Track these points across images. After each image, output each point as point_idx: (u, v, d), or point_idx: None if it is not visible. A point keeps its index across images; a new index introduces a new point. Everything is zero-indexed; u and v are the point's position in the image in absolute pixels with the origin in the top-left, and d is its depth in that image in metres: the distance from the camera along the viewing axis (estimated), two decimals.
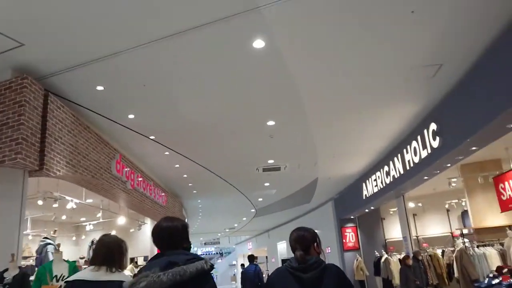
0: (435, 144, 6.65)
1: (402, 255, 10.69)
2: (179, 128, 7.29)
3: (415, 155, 7.60)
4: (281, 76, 5.48)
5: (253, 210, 16.89)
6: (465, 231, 11.59)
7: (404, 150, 8.21)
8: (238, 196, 13.73)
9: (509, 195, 6.85)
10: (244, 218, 19.41)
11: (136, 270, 5.85)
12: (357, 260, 13.64)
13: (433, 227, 13.76)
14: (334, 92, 6.12)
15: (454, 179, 9.65)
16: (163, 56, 4.85)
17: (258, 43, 4.69)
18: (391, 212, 13.39)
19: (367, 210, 12.78)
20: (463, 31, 4.72)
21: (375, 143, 8.74)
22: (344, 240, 14.22)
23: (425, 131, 7.01)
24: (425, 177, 8.19)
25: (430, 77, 5.72)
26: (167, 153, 8.53)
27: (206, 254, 48.98)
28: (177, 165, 9.62)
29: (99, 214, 9.75)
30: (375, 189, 10.51)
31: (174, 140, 7.92)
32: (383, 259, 11.50)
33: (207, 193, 13.35)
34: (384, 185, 9.80)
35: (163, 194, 10.61)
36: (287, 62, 5.13)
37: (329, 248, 15.61)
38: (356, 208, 12.66)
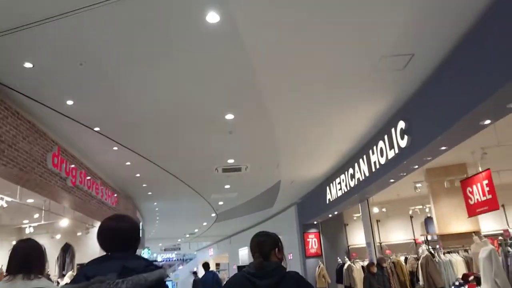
0: (403, 143, 6.26)
1: (365, 262, 10.33)
2: (127, 119, 6.55)
3: (382, 156, 7.21)
4: (238, 60, 4.89)
5: (213, 215, 16.18)
6: (429, 237, 11.42)
7: (370, 151, 7.81)
8: (197, 199, 13.00)
9: (477, 199, 6.55)
10: (205, 223, 18.64)
11: None
12: (319, 267, 13.20)
13: (396, 233, 13.55)
14: (296, 85, 5.59)
15: (419, 184, 9.40)
16: (99, 28, 4.14)
17: (212, 17, 4.08)
18: (355, 218, 13.06)
19: (330, 215, 12.37)
20: (437, 18, 4.30)
21: (340, 144, 8.30)
22: (306, 246, 13.75)
23: (393, 130, 6.62)
24: (391, 180, 7.82)
25: (400, 69, 5.30)
26: (115, 148, 7.75)
27: (167, 260, 47.54)
28: (128, 163, 8.82)
29: (37, 215, 8.78)
30: (339, 193, 10.09)
31: (123, 134, 7.15)
32: (345, 266, 11.08)
33: (163, 195, 12.54)
34: (348, 188, 9.39)
35: (113, 194, 9.75)
36: (245, 42, 4.55)
37: (291, 255, 15.11)
38: (319, 213, 12.22)
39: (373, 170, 7.74)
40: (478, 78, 4.37)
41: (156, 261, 47.54)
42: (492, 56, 4.11)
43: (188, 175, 10.24)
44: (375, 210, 11.78)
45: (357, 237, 13.74)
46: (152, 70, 5.06)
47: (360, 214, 10.87)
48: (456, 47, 4.76)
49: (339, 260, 11.92)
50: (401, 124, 6.27)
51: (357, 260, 11.26)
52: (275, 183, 11.54)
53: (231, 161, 9.12)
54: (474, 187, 6.62)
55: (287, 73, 5.26)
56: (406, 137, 6.16)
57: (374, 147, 7.55)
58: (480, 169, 6.56)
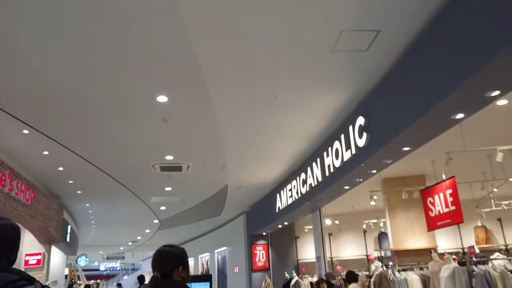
0: (361, 142, 5.43)
1: (315, 278, 9.46)
2: (36, 93, 5.32)
3: (337, 158, 6.37)
4: (172, 29, 3.87)
5: (156, 221, 14.86)
6: (382, 253, 10.72)
7: (325, 153, 6.97)
8: (136, 202, 11.70)
9: (438, 210, 5.81)
10: (147, 230, 17.22)
11: None
12: (265, 281, 12.20)
13: (349, 248, 12.82)
14: (240, 65, 4.64)
15: (375, 197, 8.70)
16: None
17: None
18: (306, 230, 12.21)
19: (280, 226, 11.45)
20: None
21: (291, 144, 7.40)
22: (253, 259, 12.72)
23: (351, 127, 5.79)
24: (346, 187, 7.01)
25: (363, 50, 4.48)
26: (26, 131, 6.45)
27: (110, 270, 44.88)
28: (46, 152, 7.50)
29: None
30: (290, 201, 9.18)
31: (32, 112, 5.89)
32: (293, 282, 10.14)
33: (96, 196, 11.16)
34: (299, 195, 8.50)
35: (28, 189, 8.33)
36: (181, 11, 3.55)
37: (237, 267, 14.02)
38: (268, 223, 11.27)
39: (327, 174, 6.89)
40: (449, 65, 3.60)
41: (98, 269, 44.86)
42: (464, 40, 3.35)
43: (122, 173, 9.00)
44: (328, 222, 10.97)
45: (308, 251, 12.92)
46: (62, 30, 3.93)
47: (312, 226, 10.05)
48: (427, 27, 3.99)
49: (286, 275, 10.98)
50: (360, 120, 5.45)
51: (306, 276, 10.36)
52: (222, 188, 10.50)
53: (169, 157, 8.00)
54: (436, 197, 5.89)
55: (230, 48, 4.29)
56: (365, 135, 5.34)
57: (329, 148, 6.71)
58: (444, 177, 5.84)
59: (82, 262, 22.36)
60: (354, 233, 12.68)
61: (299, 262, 12.89)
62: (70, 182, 9.58)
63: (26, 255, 10.95)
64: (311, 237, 10.91)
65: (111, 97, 5.45)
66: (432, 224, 6.04)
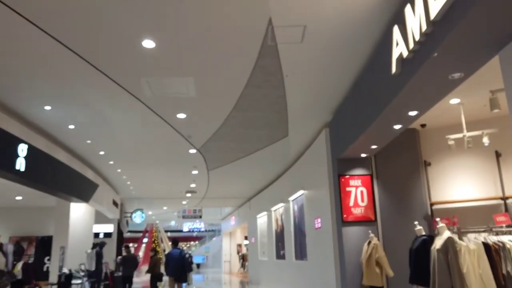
0: None
1: (493, 236, 3.63)
2: None
3: None
4: None
5: (193, 151, 9.84)
6: None
7: None
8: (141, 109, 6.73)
9: None
10: (195, 172, 12.38)
11: None
12: (369, 242, 6.53)
13: None
14: None
15: None
16: None
17: None
18: (451, 142, 6.08)
19: (399, 127, 5.48)
20: None
21: None
22: (345, 203, 7.01)
23: None
24: None
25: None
26: None
27: (195, 231, 42.15)
28: None
29: None
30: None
31: None
32: (439, 242, 4.32)
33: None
34: None
35: None
36: None
37: (318, 220, 8.45)
38: (372, 119, 5.37)
39: None
40: None
41: (181, 230, 42.39)
42: None
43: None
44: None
45: (450, 187, 6.92)
46: None
47: (464, 133, 4.25)
48: None
49: (418, 227, 5.10)
50: None
51: (464, 231, 4.48)
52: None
53: None
54: None
55: None
56: None
57: None
58: None
59: (138, 218, 18.66)
60: None
61: (433, 207, 6.92)
62: None
63: None
64: (457, 160, 5.32)
65: None
66: None
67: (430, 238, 4.68)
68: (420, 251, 4.59)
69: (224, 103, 6.79)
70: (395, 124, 5.24)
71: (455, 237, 4.27)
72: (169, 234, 35.56)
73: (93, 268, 11.93)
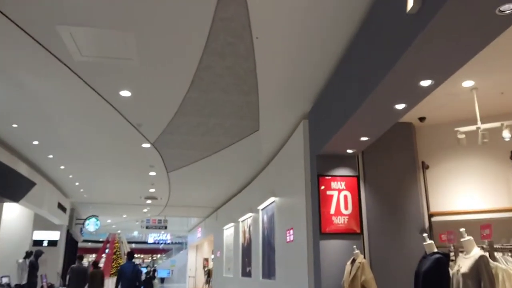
0: None
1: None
2: None
3: None
4: None
5: (147, 145, 8.30)
6: None
7: None
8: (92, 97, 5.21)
9: None
10: (152, 173, 10.77)
11: None
12: (352, 261, 5.14)
13: None
14: None
15: None
16: None
17: None
18: (462, 136, 4.82)
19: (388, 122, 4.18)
20: None
21: None
22: (324, 210, 5.61)
23: None
24: None
25: None
26: None
27: (161, 243, 39.89)
28: None
29: None
30: None
31: None
32: (467, 262, 2.97)
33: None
34: None
35: None
36: None
37: (290, 232, 7.03)
38: (360, 102, 4.05)
39: None
40: None
41: (146, 242, 40.05)
42: None
43: None
44: None
45: (453, 194, 5.67)
46: None
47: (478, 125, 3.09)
48: None
49: (427, 240, 3.73)
50: None
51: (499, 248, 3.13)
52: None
53: None
54: None
55: None
56: None
57: None
58: None
59: (91, 226, 16.72)
60: None
61: (432, 219, 5.61)
62: None
63: None
64: (462, 161, 5.02)
65: None
66: None
67: (445, 257, 3.33)
68: (432, 275, 3.23)
69: (176, 75, 5.33)
70: (398, 102, 3.91)
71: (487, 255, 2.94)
72: (133, 245, 33.33)
73: (24, 281, 10.09)
